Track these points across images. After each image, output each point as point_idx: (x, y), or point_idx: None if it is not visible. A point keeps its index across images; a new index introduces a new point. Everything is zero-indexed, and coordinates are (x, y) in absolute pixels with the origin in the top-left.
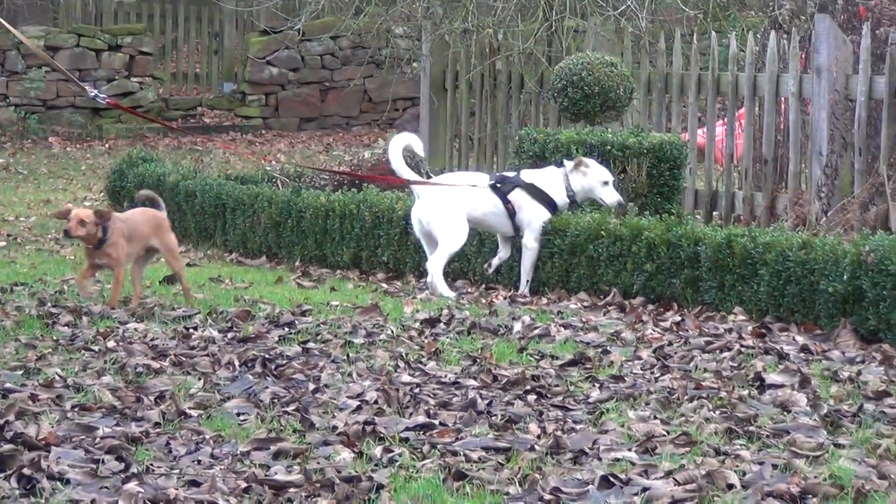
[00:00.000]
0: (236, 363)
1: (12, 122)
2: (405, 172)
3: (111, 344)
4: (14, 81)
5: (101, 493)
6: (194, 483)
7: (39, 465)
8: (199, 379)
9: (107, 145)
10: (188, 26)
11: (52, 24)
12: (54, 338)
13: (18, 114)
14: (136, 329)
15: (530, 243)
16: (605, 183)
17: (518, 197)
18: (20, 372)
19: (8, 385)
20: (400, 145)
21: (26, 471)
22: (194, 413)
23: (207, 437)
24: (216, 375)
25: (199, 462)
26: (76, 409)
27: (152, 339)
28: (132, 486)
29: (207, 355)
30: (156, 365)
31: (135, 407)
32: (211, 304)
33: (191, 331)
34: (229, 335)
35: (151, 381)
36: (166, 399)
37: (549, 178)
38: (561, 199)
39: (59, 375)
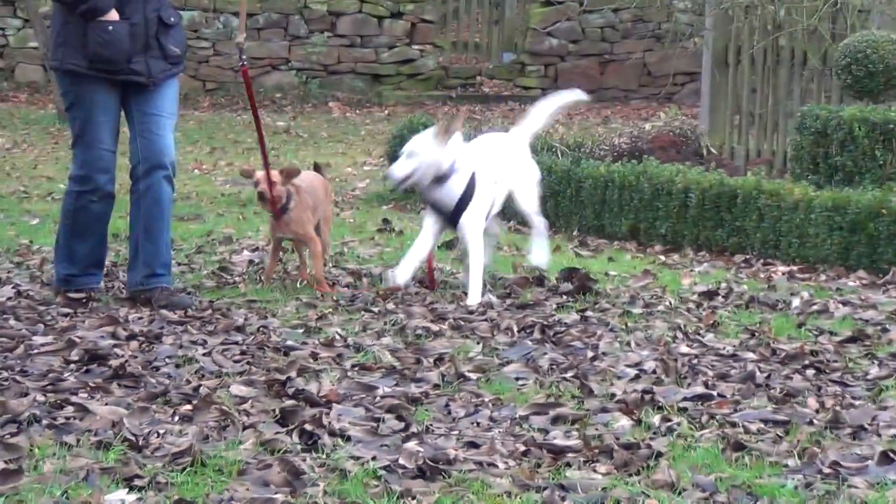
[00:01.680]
0: (515, 329)
1: (294, 86)
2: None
3: (391, 306)
4: (296, 46)
5: (381, 450)
6: (473, 444)
7: (321, 421)
8: (478, 343)
9: (386, 111)
10: None
11: None
12: (334, 298)
13: (300, 78)
14: (415, 292)
15: None
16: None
17: None
18: (301, 330)
19: (290, 342)
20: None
21: (308, 426)
22: (473, 376)
23: (486, 400)
24: (495, 340)
25: (477, 424)
26: (356, 369)
27: (431, 303)
28: (412, 444)
29: (486, 320)
30: (435, 328)
31: (414, 368)
32: (490, 270)
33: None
34: (507, 301)
35: (430, 343)
36: (445, 361)
37: None
38: None
39: (340, 335)
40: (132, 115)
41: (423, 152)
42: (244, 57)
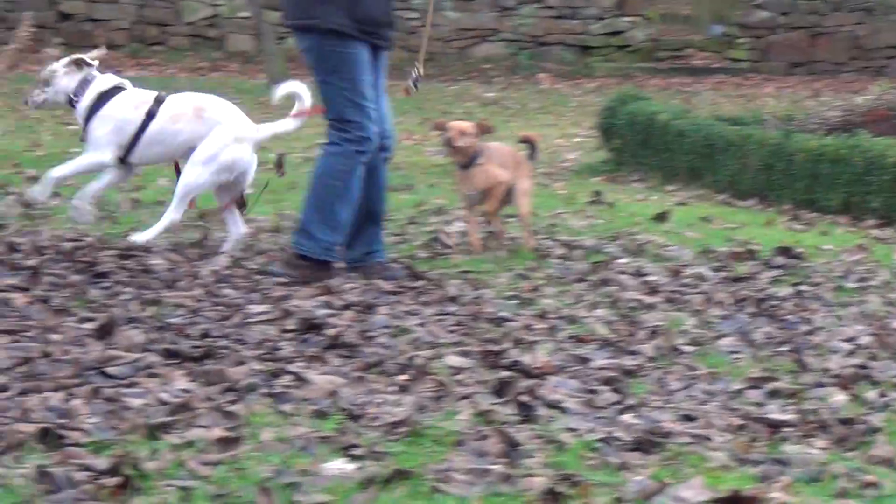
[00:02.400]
0: (728, 302)
1: (503, 58)
2: None
3: (604, 278)
4: (505, 17)
5: (597, 422)
6: (689, 418)
7: (536, 392)
8: (692, 316)
9: (595, 83)
10: None
11: None
12: (548, 270)
13: (509, 49)
14: (627, 264)
15: None
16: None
17: None
18: (515, 302)
19: (503, 314)
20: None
21: (523, 397)
22: (688, 349)
23: (701, 373)
24: (708, 313)
25: (693, 397)
26: (570, 340)
27: (644, 275)
28: (628, 417)
29: (699, 293)
30: (648, 300)
31: (628, 340)
32: (702, 242)
33: (682, 268)
34: (721, 274)
35: (644, 315)
36: (659, 334)
37: None
38: None
39: (553, 306)
40: None
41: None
42: (417, 84)
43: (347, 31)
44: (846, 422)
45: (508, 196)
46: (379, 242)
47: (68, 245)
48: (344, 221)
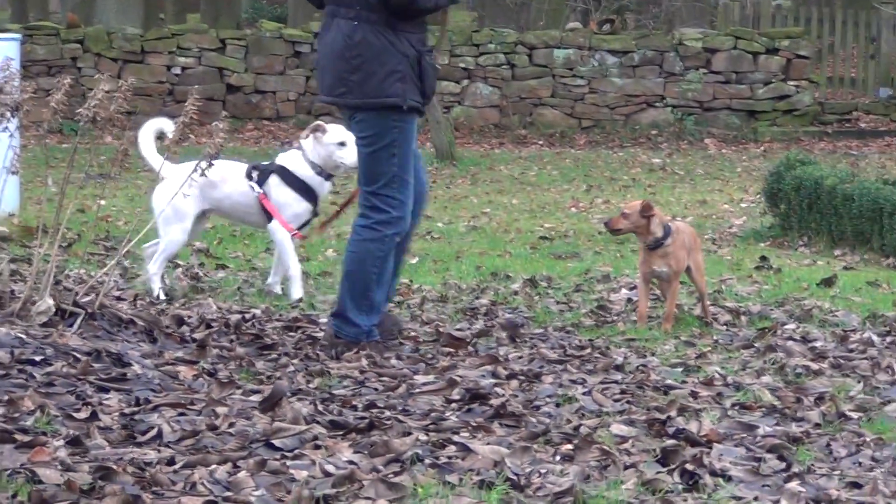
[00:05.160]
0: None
1: (669, 123)
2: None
3: (770, 344)
4: (671, 83)
5: (762, 490)
6: (856, 485)
7: (701, 460)
8: (859, 381)
9: (761, 148)
10: (845, 30)
11: (709, 27)
12: (714, 336)
13: (675, 115)
14: (794, 329)
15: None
16: (342, 144)
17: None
18: (680, 369)
19: (669, 381)
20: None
21: (689, 466)
22: (854, 415)
23: (868, 439)
24: (875, 379)
25: (859, 464)
26: (736, 408)
27: (811, 341)
28: (794, 485)
29: (866, 358)
30: (815, 366)
31: (794, 407)
32: (869, 307)
33: (848, 333)
34: (888, 339)
35: (810, 381)
36: (826, 400)
37: (294, 159)
38: (310, 177)
39: (719, 374)
40: None
41: None
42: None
43: (418, 105)
44: None
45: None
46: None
47: (235, 317)
48: (378, 302)
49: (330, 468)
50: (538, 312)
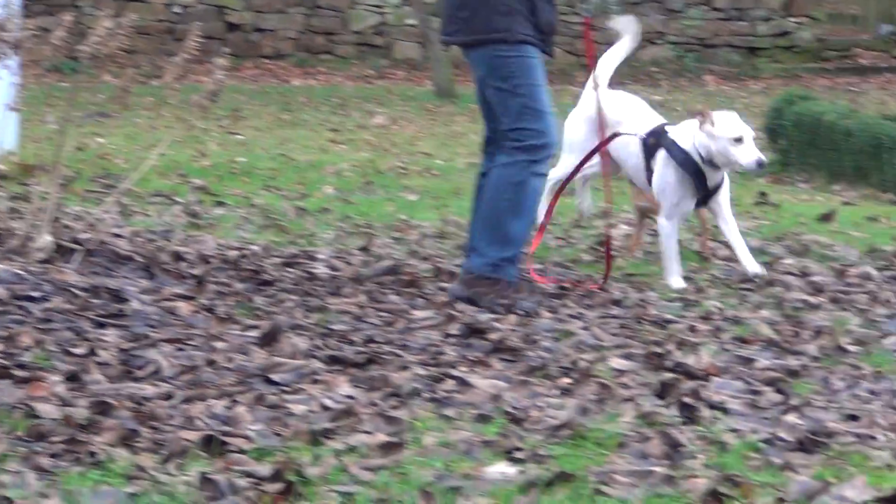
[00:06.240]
0: (894, 300)
1: (669, 60)
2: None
3: (769, 278)
4: (672, 20)
5: (760, 423)
6: (853, 417)
7: (699, 394)
8: (857, 315)
9: (761, 84)
10: None
11: None
12: (712, 272)
13: (676, 52)
14: (792, 264)
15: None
16: (738, 140)
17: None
18: (679, 304)
19: (667, 316)
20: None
21: (686, 399)
22: (852, 349)
23: (866, 372)
24: (873, 312)
25: (857, 397)
26: (734, 341)
27: (809, 275)
28: (791, 417)
29: (865, 292)
30: (813, 300)
31: (792, 341)
32: (868, 242)
33: (847, 268)
34: (886, 273)
35: (808, 315)
36: (824, 334)
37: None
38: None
39: (717, 308)
40: None
41: None
42: (590, 7)
43: (530, 39)
44: None
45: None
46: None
47: (233, 254)
48: (516, 236)
49: (328, 403)
50: (537, 249)
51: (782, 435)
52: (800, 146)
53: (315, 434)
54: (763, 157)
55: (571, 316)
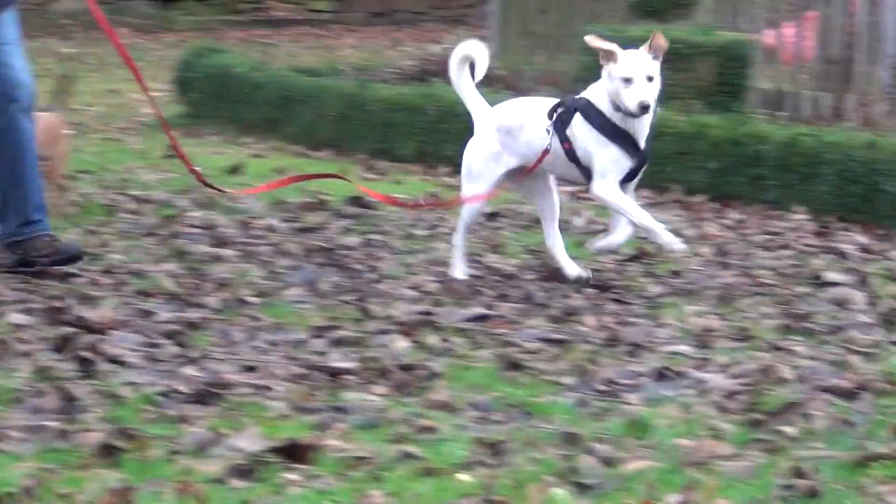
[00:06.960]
0: (298, 253)
1: (83, 13)
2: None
3: (174, 231)
4: None
5: (157, 375)
6: (250, 368)
7: (97, 347)
8: (260, 267)
9: (176, 38)
10: None
11: None
12: (117, 225)
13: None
14: (199, 217)
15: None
16: (627, 80)
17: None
18: (85, 259)
19: (69, 270)
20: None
21: (84, 353)
22: (254, 300)
23: (265, 323)
24: (277, 264)
25: (256, 348)
26: (137, 295)
27: (215, 228)
28: (189, 369)
29: (269, 244)
30: (218, 253)
31: (194, 294)
32: (274, 194)
33: (253, 220)
34: (292, 225)
35: (212, 268)
36: (226, 286)
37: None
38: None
39: (121, 261)
40: None
41: None
42: None
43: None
44: (407, 368)
45: None
46: (37, 209)
47: None
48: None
49: None
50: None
51: (179, 387)
52: (210, 99)
53: None
54: (647, 100)
55: None
